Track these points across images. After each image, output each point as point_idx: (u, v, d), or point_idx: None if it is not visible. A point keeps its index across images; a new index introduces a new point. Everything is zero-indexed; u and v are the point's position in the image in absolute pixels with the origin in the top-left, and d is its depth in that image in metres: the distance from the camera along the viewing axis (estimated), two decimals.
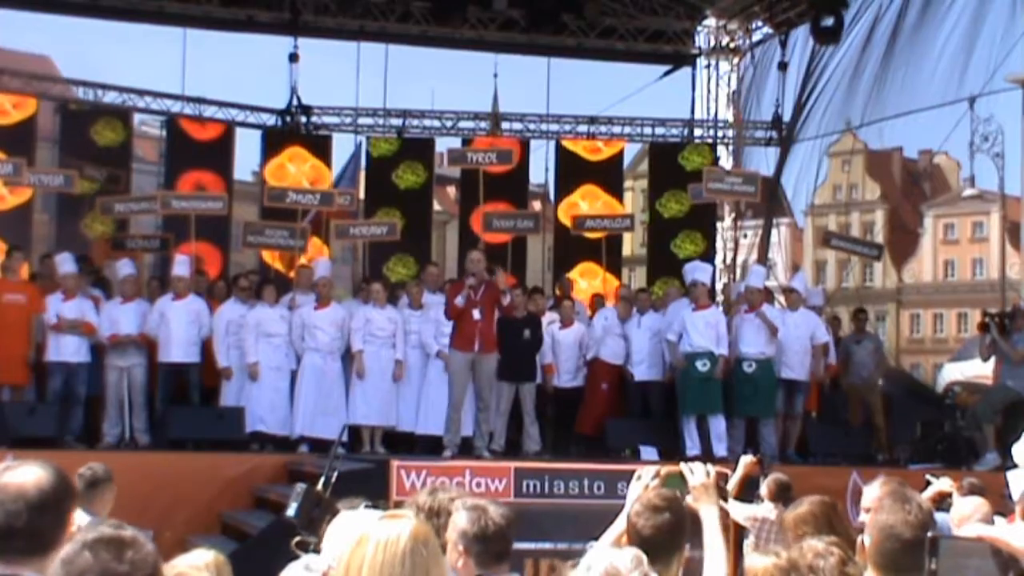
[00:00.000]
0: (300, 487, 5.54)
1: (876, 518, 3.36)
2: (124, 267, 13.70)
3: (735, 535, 9.57)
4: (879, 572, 3.31)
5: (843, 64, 17.47)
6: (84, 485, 6.52)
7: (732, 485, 8.78)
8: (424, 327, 13.28)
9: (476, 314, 12.26)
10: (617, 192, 19.77)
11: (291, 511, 5.45)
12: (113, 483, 6.92)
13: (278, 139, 19.03)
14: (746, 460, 8.59)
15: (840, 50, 17.35)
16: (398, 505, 4.50)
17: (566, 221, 17.63)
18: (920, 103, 16.89)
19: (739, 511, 8.54)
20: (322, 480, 6.11)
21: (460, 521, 3.75)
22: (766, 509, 8.26)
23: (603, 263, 16.22)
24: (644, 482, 3.80)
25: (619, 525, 3.88)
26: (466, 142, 18.53)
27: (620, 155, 19.95)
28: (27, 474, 2.71)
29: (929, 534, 2.82)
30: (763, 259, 18.68)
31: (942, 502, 8.15)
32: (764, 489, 8.41)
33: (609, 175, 19.48)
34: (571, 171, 19.23)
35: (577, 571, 3.10)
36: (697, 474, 4.31)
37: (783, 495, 8.08)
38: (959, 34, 16.12)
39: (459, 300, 12.27)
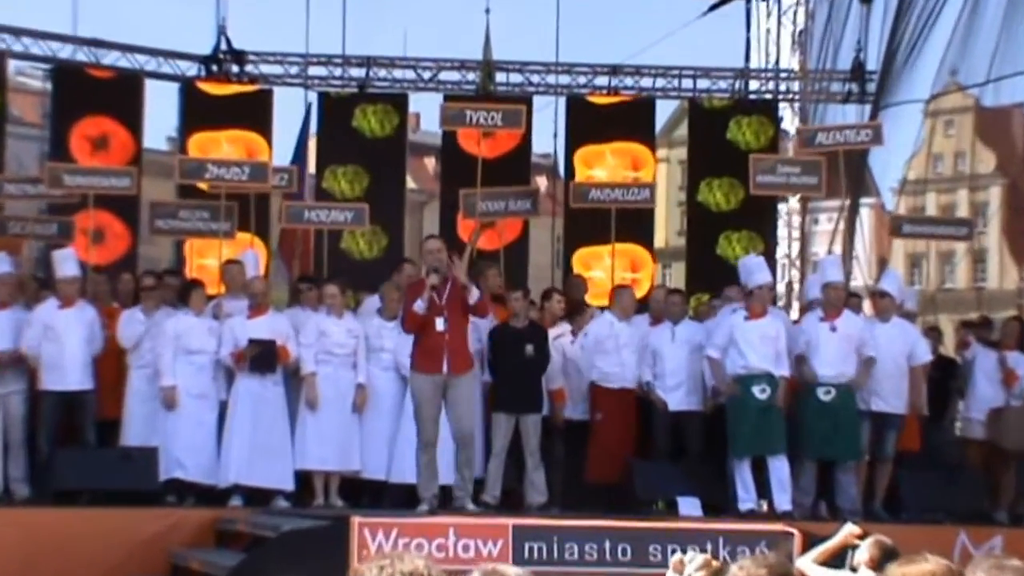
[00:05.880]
0: None
1: None
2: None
3: None
4: None
5: (951, 7, 17.46)
6: None
7: (821, 551, 8.89)
8: (400, 343, 13.07)
9: (439, 324, 12.11)
10: (648, 142, 19.52)
11: None
12: None
13: (201, 96, 18.95)
14: (850, 530, 8.79)
15: None
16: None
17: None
18: None
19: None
20: None
21: None
22: None
23: (612, 240, 15.98)
24: (688, 573, 3.85)
25: None
26: (450, 99, 18.37)
27: (651, 103, 19.75)
28: None
29: None
30: (847, 252, 18.57)
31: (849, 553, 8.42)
32: (864, 554, 8.51)
33: (636, 127, 19.22)
34: (586, 130, 19.06)
35: None
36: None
37: (887, 563, 8.13)
38: None
39: (419, 305, 12.02)
